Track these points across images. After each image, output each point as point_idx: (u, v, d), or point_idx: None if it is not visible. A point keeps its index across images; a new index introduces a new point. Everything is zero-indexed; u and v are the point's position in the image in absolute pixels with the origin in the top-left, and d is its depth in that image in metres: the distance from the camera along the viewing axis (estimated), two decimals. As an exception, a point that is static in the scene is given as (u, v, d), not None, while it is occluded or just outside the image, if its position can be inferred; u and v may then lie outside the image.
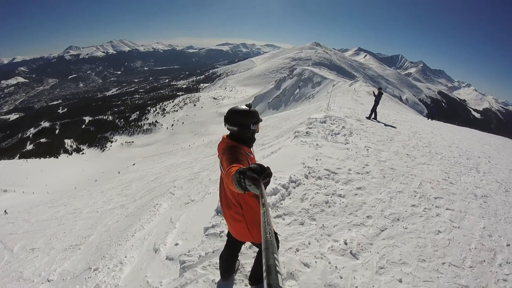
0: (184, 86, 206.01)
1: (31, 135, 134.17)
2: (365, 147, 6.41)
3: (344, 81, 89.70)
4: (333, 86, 41.01)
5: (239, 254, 2.66)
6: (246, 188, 1.10)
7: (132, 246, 4.70)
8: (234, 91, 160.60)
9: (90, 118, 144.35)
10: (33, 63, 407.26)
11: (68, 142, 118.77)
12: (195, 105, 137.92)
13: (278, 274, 0.55)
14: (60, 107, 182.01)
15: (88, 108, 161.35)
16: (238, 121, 1.77)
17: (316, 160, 5.08)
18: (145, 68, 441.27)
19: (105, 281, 3.88)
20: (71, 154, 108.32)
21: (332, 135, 7.07)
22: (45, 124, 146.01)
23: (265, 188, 1.06)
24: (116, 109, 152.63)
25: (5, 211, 18.84)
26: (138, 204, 8.42)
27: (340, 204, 3.61)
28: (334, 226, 3.10)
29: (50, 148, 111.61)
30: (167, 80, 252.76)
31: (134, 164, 45.79)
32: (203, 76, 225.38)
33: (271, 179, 3.98)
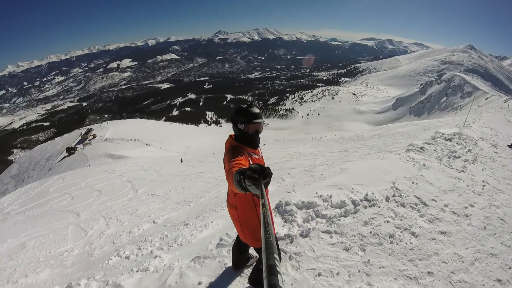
0: (324, 78, 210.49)
1: (177, 103, 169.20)
2: (482, 181, 4.83)
3: (499, 95, 71.73)
4: (486, 99, 31.76)
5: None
6: (246, 189, 1.10)
7: (223, 216, 5.15)
8: (376, 89, 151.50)
9: (232, 96, 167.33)
10: (185, 43, 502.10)
11: (209, 114, 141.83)
12: (333, 98, 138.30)
13: (279, 274, 0.56)
14: (206, 83, 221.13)
15: (231, 87, 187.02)
16: (231, 117, 1.80)
17: (412, 183, 4.23)
18: (288, 57, 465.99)
19: (184, 235, 4.66)
20: (210, 125, 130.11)
21: (449, 157, 5.68)
22: (191, 95, 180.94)
23: (266, 189, 1.07)
24: (256, 92, 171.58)
25: (181, 159, 23.55)
26: (253, 182, 9.36)
27: (406, 244, 2.95)
28: (380, 267, 2.61)
29: (192, 116, 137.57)
30: (308, 70, 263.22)
31: (264, 145, 50.51)
32: (345, 70, 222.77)
33: (346, 190, 3.77)
